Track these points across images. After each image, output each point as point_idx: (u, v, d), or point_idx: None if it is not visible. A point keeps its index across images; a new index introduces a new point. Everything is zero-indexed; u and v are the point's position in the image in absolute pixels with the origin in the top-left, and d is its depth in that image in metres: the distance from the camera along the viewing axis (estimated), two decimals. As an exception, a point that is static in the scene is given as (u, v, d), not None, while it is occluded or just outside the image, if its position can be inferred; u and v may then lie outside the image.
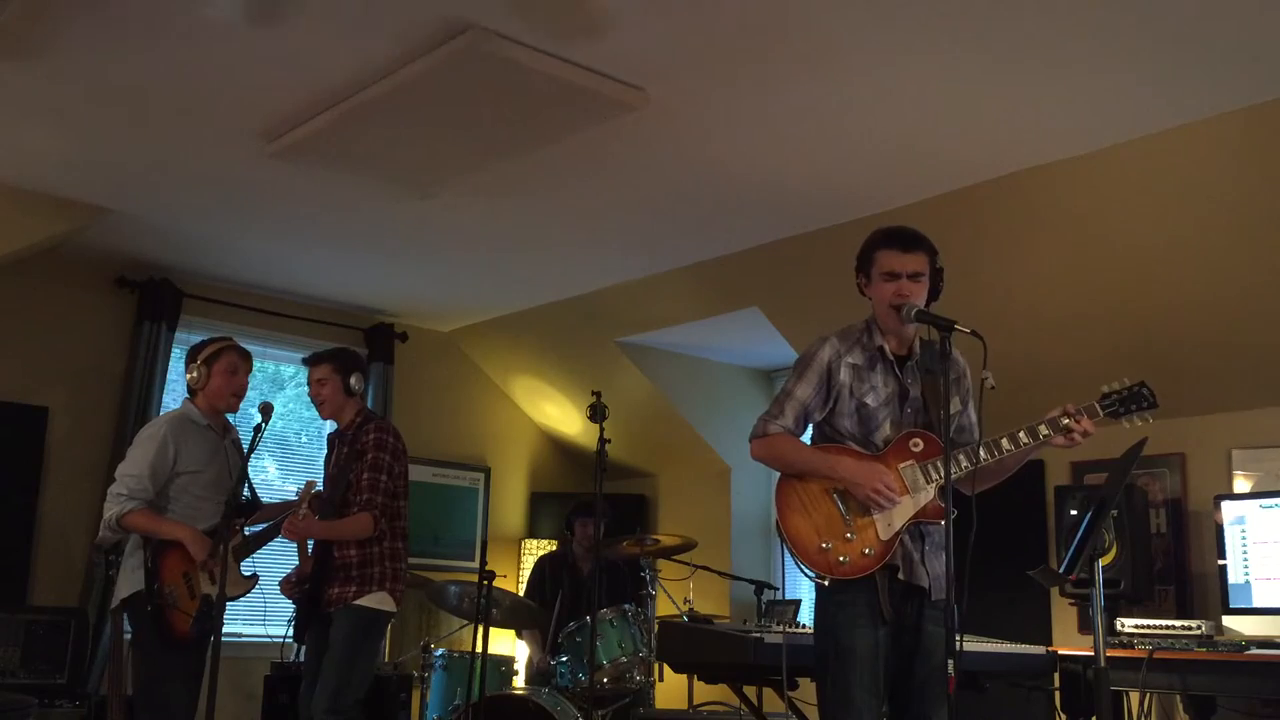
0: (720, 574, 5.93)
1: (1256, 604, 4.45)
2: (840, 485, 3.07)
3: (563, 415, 7.40)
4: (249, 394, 4.55)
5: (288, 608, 4.55)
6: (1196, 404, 4.84)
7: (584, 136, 4.25)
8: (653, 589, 5.35)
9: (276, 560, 5.66)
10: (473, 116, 4.09)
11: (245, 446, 4.32)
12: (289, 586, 4.50)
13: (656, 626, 5.06)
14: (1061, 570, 3.22)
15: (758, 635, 3.64)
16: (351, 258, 6.00)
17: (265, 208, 5.27)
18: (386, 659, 6.05)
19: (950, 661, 2.68)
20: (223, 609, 3.84)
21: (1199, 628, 4.29)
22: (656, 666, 5.24)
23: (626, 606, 5.23)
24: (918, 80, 3.79)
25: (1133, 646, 4.24)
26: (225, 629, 3.85)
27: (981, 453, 3.03)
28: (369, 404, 6.29)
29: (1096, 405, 3.06)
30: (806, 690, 3.52)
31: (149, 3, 3.47)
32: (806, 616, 6.02)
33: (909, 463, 3.07)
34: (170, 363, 6.10)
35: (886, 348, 3.14)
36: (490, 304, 6.75)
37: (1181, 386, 4.56)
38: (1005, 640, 4.12)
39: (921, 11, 3.37)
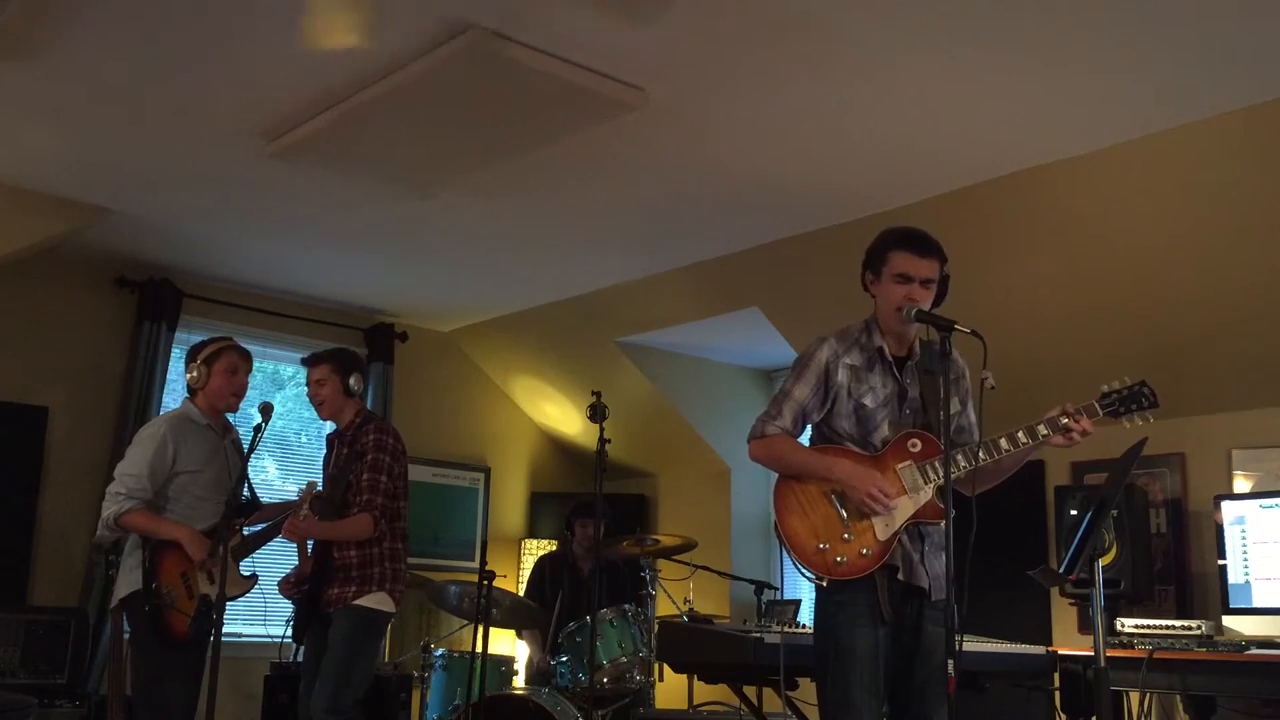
0: (720, 574, 5.93)
1: (1256, 604, 4.45)
2: (838, 486, 3.07)
3: (563, 415, 7.40)
4: (249, 394, 4.55)
5: (287, 608, 4.55)
6: (1196, 404, 4.84)
7: (584, 136, 4.25)
8: (653, 589, 5.35)
9: (276, 560, 5.66)
10: (473, 116, 4.09)
11: (245, 446, 4.32)
12: (288, 587, 4.51)
13: (656, 626, 5.06)
14: (1061, 570, 3.22)
15: (757, 635, 3.64)
16: (351, 258, 6.00)
17: (265, 208, 5.27)
18: (386, 659, 6.05)
19: (950, 661, 2.68)
20: (222, 609, 3.84)
21: (1199, 628, 4.29)
22: (656, 666, 5.24)
23: (626, 606, 5.23)
24: (918, 80, 3.79)
25: (1133, 646, 4.24)
26: (225, 629, 3.85)
27: (980, 453, 3.02)
28: (369, 404, 6.30)
29: (1096, 405, 3.05)
30: (806, 690, 3.52)
31: (149, 3, 3.47)
32: (806, 616, 6.02)
33: (907, 463, 3.07)
34: (170, 363, 6.09)
35: (885, 348, 3.14)
36: (490, 304, 6.75)
37: (1181, 386, 4.55)
38: (1005, 640, 4.12)
39: (921, 11, 3.37)
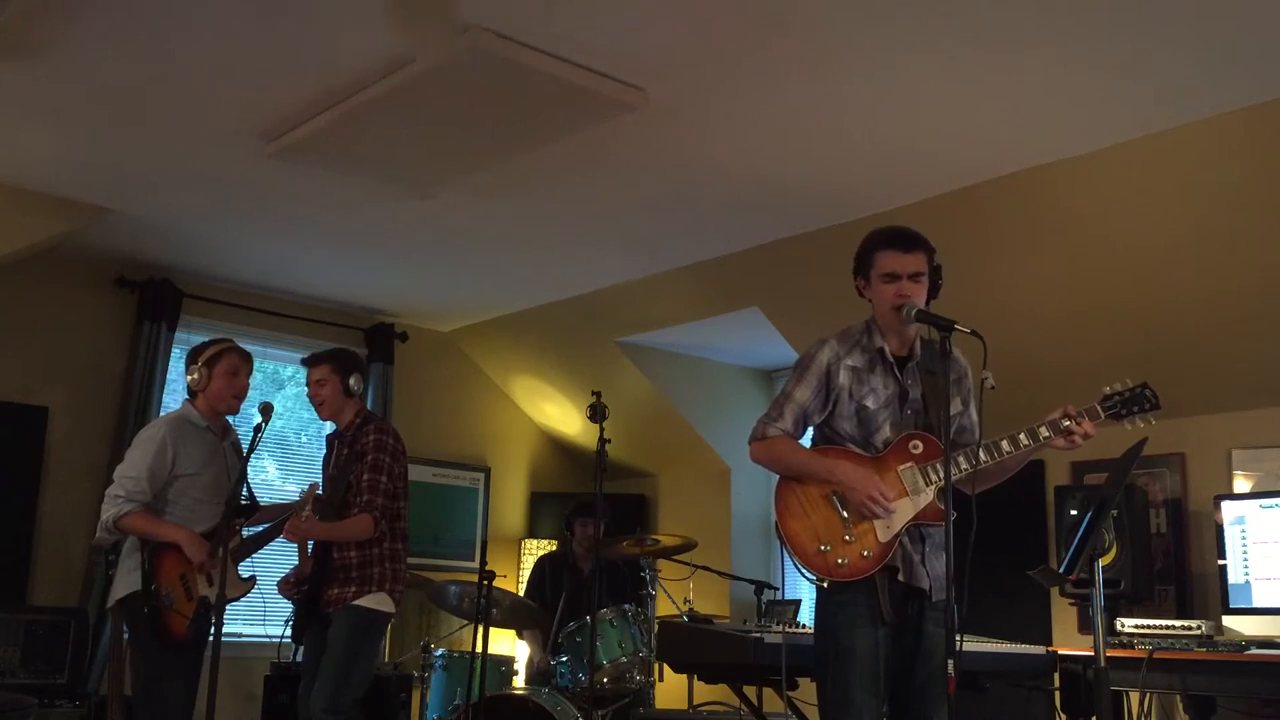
0: (720, 574, 5.93)
1: (1256, 604, 4.45)
2: (838, 488, 3.06)
3: (563, 415, 7.40)
4: (249, 394, 4.54)
5: (287, 608, 4.55)
6: (1196, 404, 4.84)
7: (584, 136, 4.25)
8: (653, 589, 5.35)
9: (276, 561, 5.66)
10: (473, 116, 4.09)
11: (244, 448, 4.32)
12: (287, 587, 4.50)
13: (656, 626, 5.06)
14: (1061, 570, 3.22)
15: (758, 635, 3.64)
16: (351, 258, 6.00)
17: (265, 208, 5.27)
18: (386, 659, 6.05)
19: (950, 661, 2.68)
20: (222, 610, 3.84)
21: (1199, 628, 4.29)
22: (656, 666, 5.24)
23: (626, 606, 5.23)
24: (918, 80, 3.79)
25: (1133, 646, 4.24)
26: (225, 629, 3.85)
27: (981, 454, 3.02)
28: (369, 404, 6.30)
29: (1098, 407, 3.05)
30: (806, 690, 3.52)
31: (149, 3, 3.47)
32: (806, 616, 6.02)
33: (908, 465, 3.07)
34: (170, 363, 6.09)
35: (887, 349, 3.14)
36: (490, 304, 6.75)
37: (1181, 386, 4.55)
38: (1005, 640, 4.12)
39: (921, 11, 3.36)
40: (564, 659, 5.19)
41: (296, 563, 4.53)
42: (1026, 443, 3.03)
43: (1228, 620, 4.57)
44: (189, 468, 4.26)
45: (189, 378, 4.38)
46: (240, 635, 6.06)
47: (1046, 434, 3.01)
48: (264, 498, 4.72)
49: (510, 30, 3.53)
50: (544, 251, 5.76)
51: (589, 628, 4.63)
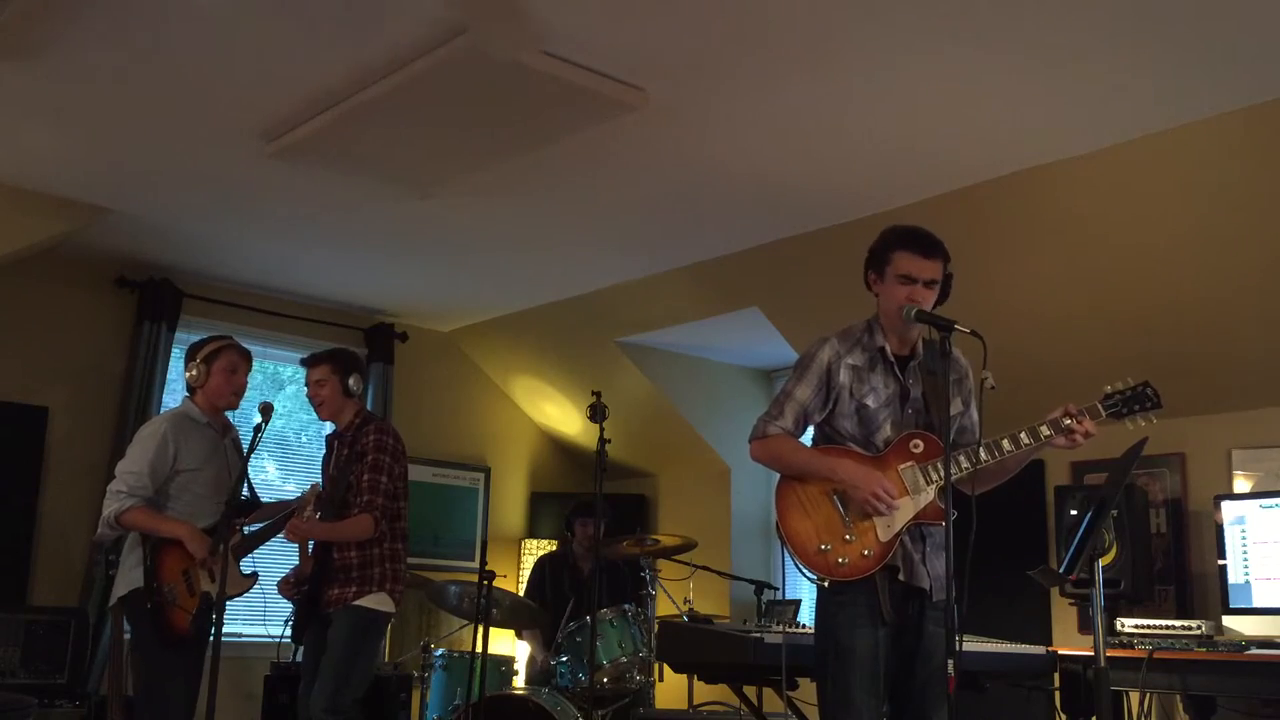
0: (720, 574, 5.93)
1: (1256, 604, 4.45)
2: (840, 487, 3.06)
3: (563, 415, 7.40)
4: (249, 394, 4.55)
5: (287, 607, 4.55)
6: (1196, 404, 4.84)
7: (584, 136, 4.25)
8: (653, 589, 5.35)
9: (276, 560, 5.66)
10: (473, 116, 4.09)
11: (245, 446, 4.32)
12: (287, 587, 4.51)
13: (656, 626, 5.06)
14: (1061, 570, 3.22)
15: (758, 635, 3.64)
16: (351, 258, 6.00)
17: (265, 208, 5.27)
18: (386, 659, 6.05)
19: (950, 661, 2.68)
20: (223, 608, 3.84)
21: (1199, 628, 4.29)
22: (656, 666, 5.24)
23: (626, 606, 5.23)
24: (918, 80, 3.79)
25: (1133, 646, 4.24)
26: (225, 628, 3.85)
27: (982, 453, 3.02)
28: (369, 404, 6.30)
29: (1099, 405, 3.05)
30: (806, 690, 3.52)
31: (149, 3, 3.47)
32: (806, 616, 6.02)
33: (909, 464, 3.07)
34: (170, 362, 6.09)
35: (888, 348, 3.13)
36: (490, 304, 6.75)
37: (1181, 386, 4.54)
38: (1005, 640, 4.12)
39: (921, 11, 3.36)
40: (564, 659, 5.19)
41: (297, 563, 4.53)
42: (1028, 441, 3.02)
43: (1228, 620, 4.57)
44: (190, 463, 4.26)
45: (188, 374, 4.39)
46: (240, 635, 6.06)
47: (1048, 433, 3.01)
48: (264, 497, 4.71)
49: (510, 30, 3.53)
50: (544, 251, 5.76)
51: (589, 628, 4.63)
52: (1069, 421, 3.00)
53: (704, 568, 5.76)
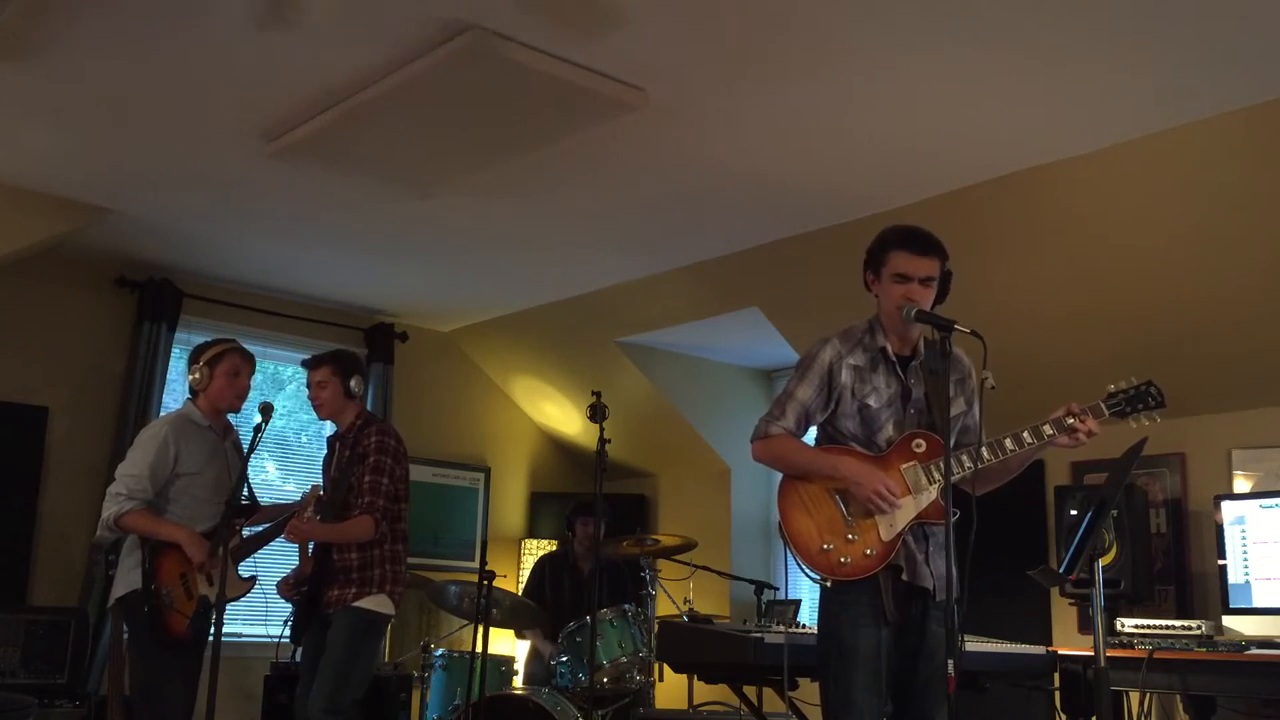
0: (720, 574, 5.93)
1: (1256, 604, 4.45)
2: (842, 486, 3.06)
3: (563, 415, 7.40)
4: (249, 394, 4.54)
5: (287, 608, 4.55)
6: (1196, 404, 4.84)
7: (584, 136, 4.25)
8: (653, 589, 5.35)
9: (276, 561, 5.66)
10: (473, 116, 4.09)
11: (245, 448, 4.32)
12: (287, 588, 4.50)
13: (656, 626, 5.05)
14: (1061, 570, 3.22)
15: (758, 635, 3.63)
16: (351, 258, 6.00)
17: (265, 208, 5.27)
18: (386, 659, 6.05)
19: (950, 661, 2.68)
20: (222, 610, 3.84)
21: (1199, 628, 4.29)
22: (656, 666, 5.23)
23: (626, 606, 5.23)
24: (918, 80, 3.79)
25: (1133, 646, 4.24)
26: (225, 629, 3.85)
27: (984, 453, 3.02)
28: (369, 404, 6.29)
29: (1102, 405, 3.05)
30: (806, 690, 3.52)
31: (149, 3, 3.47)
32: (806, 616, 6.02)
33: (911, 463, 3.07)
34: (170, 363, 6.09)
35: (889, 348, 3.14)
36: (490, 304, 6.74)
37: (1181, 386, 4.53)
38: (1005, 640, 4.12)
39: (921, 11, 3.36)
40: (564, 659, 5.19)
41: (297, 564, 4.53)
42: (1030, 440, 3.03)
43: (1228, 620, 4.57)
44: (191, 466, 4.26)
45: (191, 377, 4.38)
46: (240, 635, 6.06)
47: (1051, 432, 3.01)
48: (264, 498, 4.72)
49: (510, 30, 3.53)
50: (544, 251, 5.76)
51: (589, 628, 4.63)
52: (1072, 421, 3.00)
53: (704, 568, 5.76)
